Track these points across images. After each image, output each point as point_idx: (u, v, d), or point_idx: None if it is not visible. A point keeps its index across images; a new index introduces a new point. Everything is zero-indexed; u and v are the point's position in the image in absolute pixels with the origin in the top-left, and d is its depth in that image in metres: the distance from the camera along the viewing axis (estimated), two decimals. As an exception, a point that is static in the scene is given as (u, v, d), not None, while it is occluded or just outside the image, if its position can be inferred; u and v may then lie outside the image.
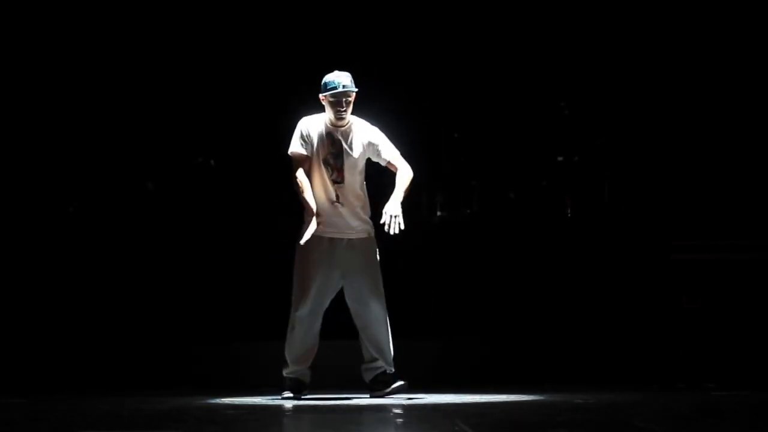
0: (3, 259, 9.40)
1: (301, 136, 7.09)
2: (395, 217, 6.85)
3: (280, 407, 6.49)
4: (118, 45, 10.79)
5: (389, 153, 7.13)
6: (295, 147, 7.10)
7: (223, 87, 10.84)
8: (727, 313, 9.17)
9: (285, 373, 7.15)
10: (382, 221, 6.85)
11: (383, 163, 7.15)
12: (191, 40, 10.84)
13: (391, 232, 6.84)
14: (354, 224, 7.05)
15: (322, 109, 7.16)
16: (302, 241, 6.96)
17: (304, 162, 7.07)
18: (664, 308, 9.18)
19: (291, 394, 7.05)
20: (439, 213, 10.00)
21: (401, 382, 7.06)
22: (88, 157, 10.65)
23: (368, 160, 7.13)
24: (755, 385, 8.22)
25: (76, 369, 9.12)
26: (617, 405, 6.32)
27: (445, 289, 9.19)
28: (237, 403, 6.79)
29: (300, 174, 7.04)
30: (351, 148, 7.05)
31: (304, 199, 7.00)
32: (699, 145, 10.55)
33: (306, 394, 7.13)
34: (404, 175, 7.07)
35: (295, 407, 6.49)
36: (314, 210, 6.96)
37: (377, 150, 7.10)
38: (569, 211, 10.07)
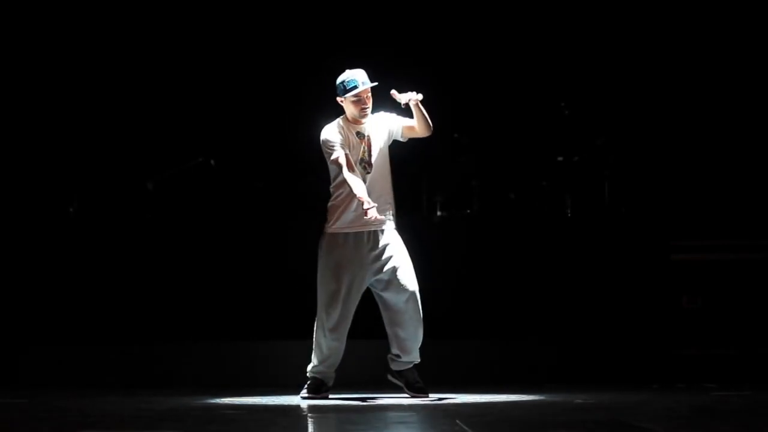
0: (3, 259, 9.40)
1: (339, 142, 7.00)
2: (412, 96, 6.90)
3: (280, 407, 6.49)
4: (118, 45, 10.81)
5: (402, 120, 7.09)
6: (338, 151, 6.97)
7: (224, 87, 10.85)
8: (727, 313, 9.17)
9: (311, 372, 7.13)
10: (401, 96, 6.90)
11: (405, 132, 7.07)
12: (192, 41, 10.85)
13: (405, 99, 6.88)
14: (381, 214, 6.96)
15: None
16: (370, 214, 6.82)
17: (350, 161, 7.01)
18: (664, 308, 9.17)
19: (310, 394, 7.06)
20: (439, 213, 10.00)
21: (425, 396, 7.02)
22: (88, 157, 10.67)
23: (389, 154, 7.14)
24: (755, 385, 8.22)
25: (77, 369, 9.11)
26: (617, 405, 6.32)
27: (445, 290, 9.18)
28: (237, 403, 6.79)
29: (349, 174, 6.94)
30: (378, 138, 7.05)
31: (355, 190, 6.87)
32: (699, 145, 10.56)
33: (327, 395, 7.12)
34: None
35: (295, 407, 6.49)
36: (364, 201, 6.85)
37: (395, 127, 7.05)
38: (569, 211, 10.07)
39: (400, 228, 7.15)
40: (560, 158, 10.33)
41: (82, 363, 9.15)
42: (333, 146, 6.99)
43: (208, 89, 10.83)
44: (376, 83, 7.04)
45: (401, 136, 7.14)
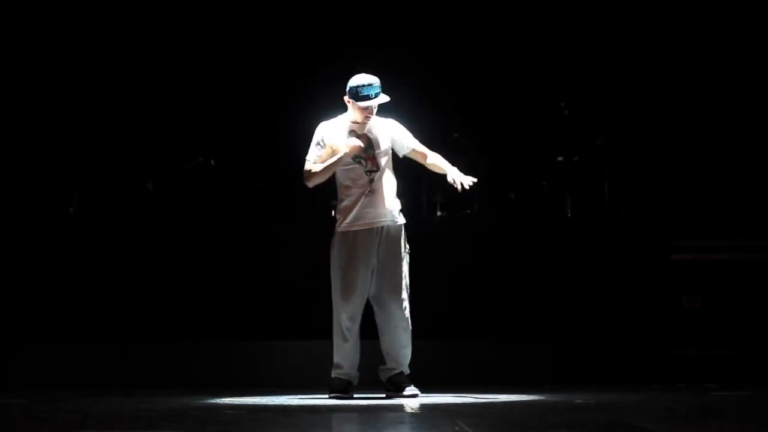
0: (4, 259, 9.39)
1: (318, 144, 7.10)
2: (464, 180, 7.10)
3: (280, 407, 6.49)
4: (118, 45, 10.81)
5: (413, 141, 7.21)
6: (312, 154, 7.11)
7: (224, 87, 10.85)
8: (727, 313, 9.17)
9: (335, 374, 7.17)
10: (454, 187, 7.11)
11: (406, 152, 7.20)
12: (191, 41, 10.85)
13: (467, 187, 7.10)
14: (387, 209, 7.08)
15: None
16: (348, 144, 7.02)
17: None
18: (664, 308, 9.17)
19: (339, 394, 7.09)
20: (439, 213, 9.99)
21: (414, 392, 7.07)
22: (88, 157, 10.66)
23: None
24: (755, 385, 8.22)
25: (77, 369, 9.11)
26: (617, 405, 6.32)
27: (445, 290, 9.18)
28: (237, 403, 6.80)
29: (310, 166, 7.07)
30: (378, 140, 7.11)
31: (327, 163, 7.04)
32: (698, 144, 10.56)
33: (353, 395, 7.15)
34: (437, 155, 7.23)
35: (293, 407, 6.49)
36: (341, 149, 7.00)
37: (401, 142, 7.16)
38: (569, 211, 10.06)
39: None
40: (560, 158, 10.32)
41: (82, 363, 9.15)
42: (312, 147, 7.12)
43: (208, 89, 10.83)
44: (388, 99, 7.05)
45: (401, 153, 7.21)
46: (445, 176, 7.20)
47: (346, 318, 7.06)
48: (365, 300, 7.12)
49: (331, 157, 7.05)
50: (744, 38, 10.64)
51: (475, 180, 7.12)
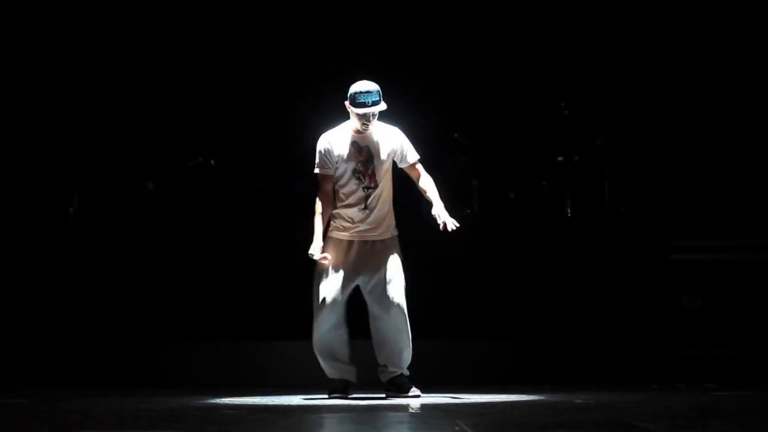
0: (4, 260, 9.39)
1: (322, 155, 7.06)
2: (447, 220, 6.92)
3: (280, 407, 6.49)
4: (118, 45, 10.81)
5: (413, 157, 7.15)
6: (317, 168, 7.10)
7: (224, 88, 10.85)
8: (727, 313, 9.17)
9: (328, 375, 7.19)
10: (439, 224, 6.93)
11: (403, 166, 7.16)
12: (191, 41, 10.86)
13: (449, 229, 6.91)
14: (381, 229, 7.09)
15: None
16: (317, 256, 7.01)
17: (327, 181, 7.07)
18: (664, 308, 9.17)
19: (339, 395, 7.10)
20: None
21: (417, 393, 7.07)
22: (88, 157, 10.67)
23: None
24: (755, 385, 8.22)
25: (77, 369, 9.11)
26: (617, 405, 6.32)
27: (444, 290, 9.18)
28: (237, 403, 6.80)
29: (319, 200, 7.07)
30: (379, 153, 7.05)
31: (313, 229, 7.05)
32: (699, 144, 10.56)
33: (352, 393, 7.17)
34: (430, 180, 7.14)
35: (293, 407, 6.49)
36: (319, 245, 6.99)
37: (402, 155, 7.11)
38: (569, 211, 10.06)
39: (402, 229, 7.17)
40: (560, 158, 10.32)
41: (82, 363, 9.15)
42: (317, 160, 7.08)
43: (208, 89, 10.83)
44: (385, 107, 7.02)
45: (398, 165, 7.18)
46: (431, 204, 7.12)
47: (322, 314, 7.01)
48: (343, 295, 7.04)
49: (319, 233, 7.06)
50: (744, 38, 10.64)
51: (458, 225, 6.96)
